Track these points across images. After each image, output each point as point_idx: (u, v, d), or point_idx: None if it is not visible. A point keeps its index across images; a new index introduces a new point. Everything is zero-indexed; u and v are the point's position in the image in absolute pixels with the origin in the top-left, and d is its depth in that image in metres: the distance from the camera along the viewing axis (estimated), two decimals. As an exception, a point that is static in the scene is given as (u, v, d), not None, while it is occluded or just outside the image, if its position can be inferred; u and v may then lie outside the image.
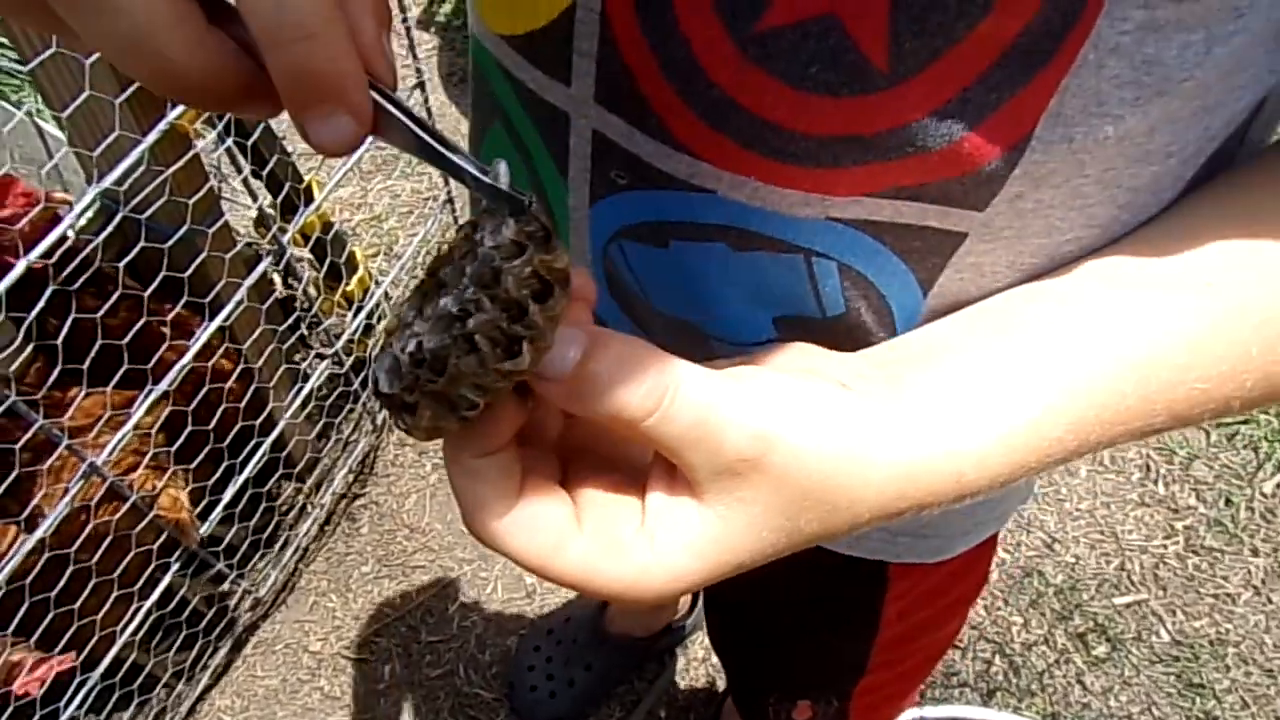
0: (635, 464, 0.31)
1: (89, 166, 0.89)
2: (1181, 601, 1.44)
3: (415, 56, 1.32)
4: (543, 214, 0.27)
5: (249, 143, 1.11)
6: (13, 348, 0.84)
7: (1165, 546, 1.48)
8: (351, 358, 1.44)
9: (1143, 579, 1.46)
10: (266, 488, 1.34)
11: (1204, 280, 0.32)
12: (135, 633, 1.17)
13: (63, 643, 1.05)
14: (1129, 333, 0.32)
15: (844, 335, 0.39)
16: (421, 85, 1.36)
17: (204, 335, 1.08)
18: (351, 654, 1.44)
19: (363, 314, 1.43)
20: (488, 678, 1.41)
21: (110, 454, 0.99)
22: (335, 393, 1.46)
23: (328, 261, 1.35)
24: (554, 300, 0.26)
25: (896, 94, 0.30)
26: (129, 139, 0.90)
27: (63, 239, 0.86)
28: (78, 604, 1.04)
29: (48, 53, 0.86)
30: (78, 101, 0.86)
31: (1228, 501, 1.51)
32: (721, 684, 1.39)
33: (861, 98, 0.31)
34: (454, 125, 2.01)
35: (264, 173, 1.16)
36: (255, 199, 1.09)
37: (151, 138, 0.92)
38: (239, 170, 1.11)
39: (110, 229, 0.91)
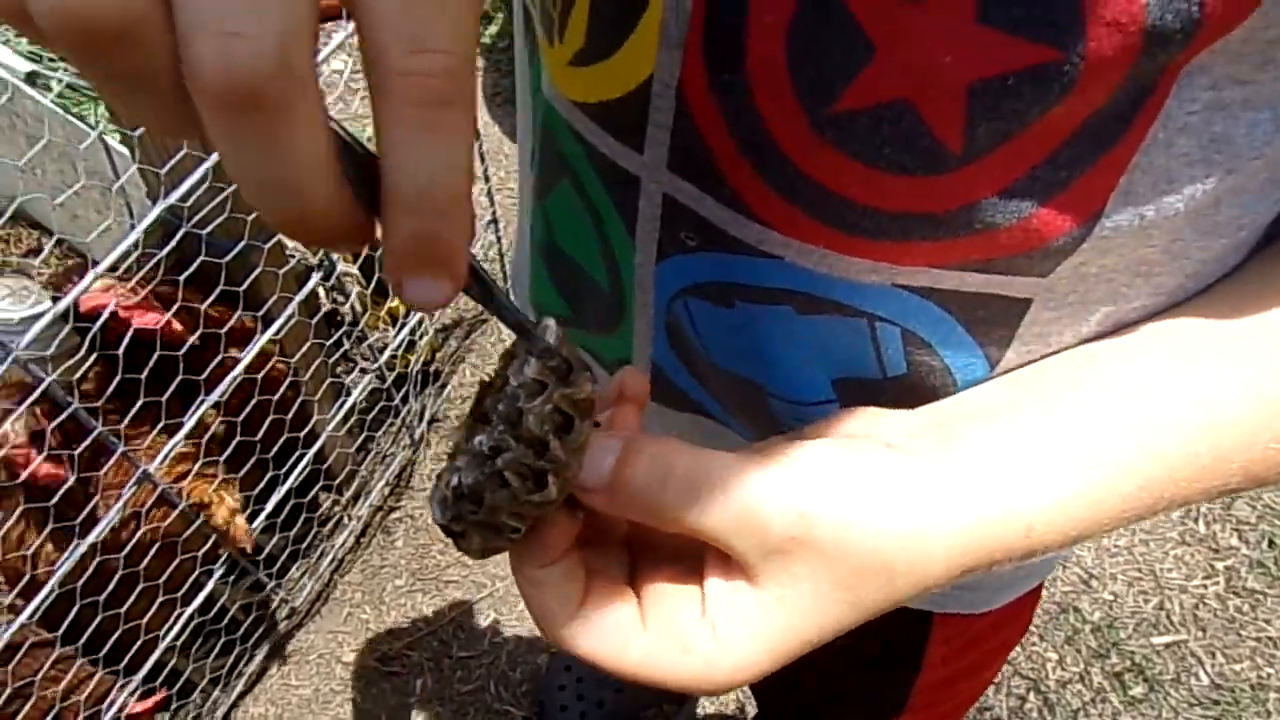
0: (698, 551, 0.32)
1: (154, 184, 0.92)
2: (1222, 643, 1.41)
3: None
4: (564, 346, 0.29)
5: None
6: (78, 355, 0.87)
7: (1205, 587, 1.46)
8: (394, 373, 1.46)
9: (1182, 619, 1.44)
10: (307, 499, 1.35)
11: (1275, 340, 0.32)
12: (177, 638, 1.19)
13: (108, 646, 1.07)
14: (1199, 392, 0.32)
15: (903, 395, 0.40)
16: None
17: (256, 347, 1.10)
18: (383, 666, 1.45)
19: (405, 330, 1.45)
20: (518, 695, 1.42)
21: (162, 461, 1.02)
22: (376, 407, 1.48)
23: (375, 278, 1.37)
24: (576, 432, 0.28)
25: (967, 174, 0.31)
26: (193, 158, 0.93)
27: (128, 252, 0.89)
28: (124, 608, 1.07)
29: None
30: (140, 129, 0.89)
31: (1270, 543, 1.48)
32: (751, 709, 1.38)
33: (933, 178, 0.31)
34: (496, 145, 2.04)
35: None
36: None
37: (214, 158, 0.95)
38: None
39: (173, 243, 0.93)
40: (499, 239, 1.65)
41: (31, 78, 1.51)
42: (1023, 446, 0.31)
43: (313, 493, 1.37)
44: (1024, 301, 0.35)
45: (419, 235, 0.21)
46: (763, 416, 0.45)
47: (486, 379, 0.33)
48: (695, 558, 0.32)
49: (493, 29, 2.27)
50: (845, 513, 0.28)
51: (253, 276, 1.06)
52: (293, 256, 1.18)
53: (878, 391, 0.40)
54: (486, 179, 1.51)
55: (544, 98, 0.42)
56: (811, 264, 0.36)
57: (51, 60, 1.59)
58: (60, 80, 1.55)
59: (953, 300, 0.36)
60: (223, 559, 1.21)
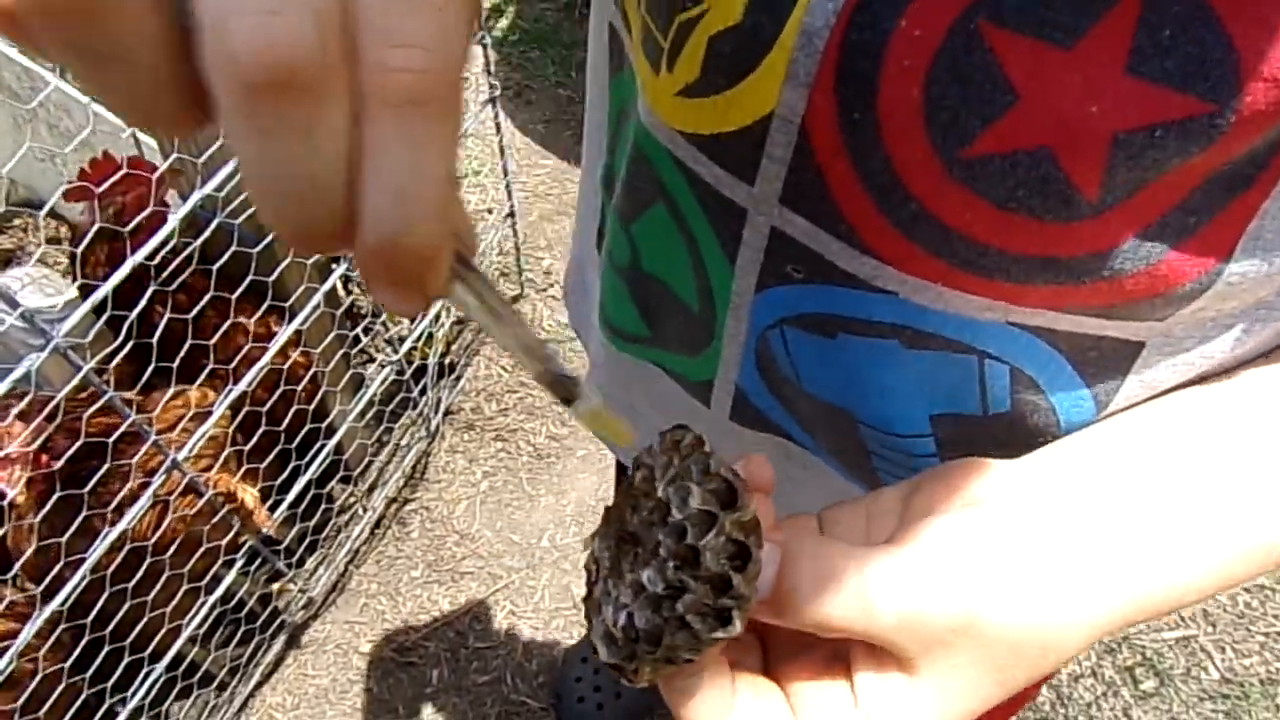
0: (833, 641, 0.32)
1: (191, 174, 0.92)
2: (1231, 639, 1.43)
3: (490, 72, 1.35)
4: (724, 466, 0.29)
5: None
6: (115, 344, 0.87)
7: (1215, 583, 1.47)
8: (413, 366, 1.46)
9: (1192, 614, 1.45)
10: (326, 490, 1.36)
11: None
12: (199, 627, 1.19)
13: (133, 634, 1.07)
14: None
15: (1002, 432, 0.40)
16: (494, 101, 1.38)
17: (282, 338, 1.10)
18: (400, 657, 1.45)
19: (425, 321, 1.46)
20: (534, 686, 1.42)
21: (191, 450, 1.02)
22: (393, 399, 1.48)
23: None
24: (754, 561, 0.28)
25: (1100, 221, 0.31)
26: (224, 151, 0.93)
27: (165, 241, 0.89)
28: (150, 596, 1.07)
29: None
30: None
31: None
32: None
33: (1064, 224, 0.31)
34: (508, 138, 2.04)
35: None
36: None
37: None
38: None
39: (207, 234, 0.93)
40: (515, 231, 1.65)
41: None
42: (1155, 515, 0.32)
43: (331, 484, 1.37)
44: (1138, 344, 0.35)
45: (386, 249, 0.20)
46: (851, 444, 0.45)
47: (627, 486, 0.32)
48: (828, 647, 0.32)
49: (503, 23, 2.27)
50: (1010, 607, 0.29)
51: (281, 268, 1.07)
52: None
53: (976, 427, 0.40)
54: (506, 173, 1.51)
55: (639, 122, 0.41)
56: (925, 300, 0.36)
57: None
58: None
59: (1065, 340, 0.36)
60: (244, 549, 1.21)
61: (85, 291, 1.06)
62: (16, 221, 1.51)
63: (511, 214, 1.59)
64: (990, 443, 0.35)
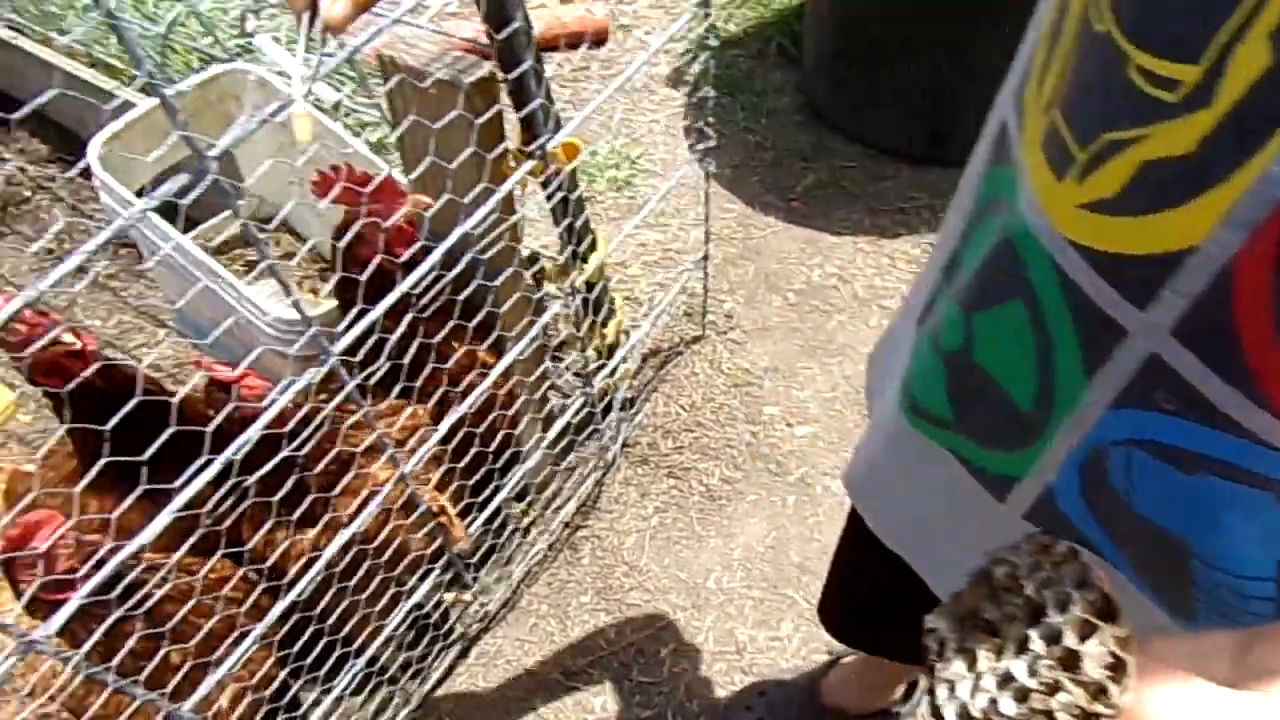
0: None
1: (447, 220, 1.00)
2: None
3: (707, 122, 1.38)
4: (1100, 580, 0.30)
5: (567, 195, 1.20)
6: (377, 364, 0.95)
7: None
8: (606, 399, 1.51)
9: None
10: (516, 510, 1.42)
11: None
12: (394, 630, 1.27)
13: (345, 630, 1.15)
14: None
15: None
16: (707, 152, 1.42)
17: (501, 367, 1.17)
18: (566, 680, 1.49)
19: (617, 356, 1.51)
20: (694, 728, 1.43)
21: (416, 464, 1.09)
22: (578, 429, 1.54)
23: (604, 308, 1.43)
24: (1129, 675, 0.29)
25: None
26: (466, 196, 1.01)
27: (422, 275, 0.96)
28: (364, 596, 1.15)
29: (406, 122, 0.98)
30: (423, 165, 0.97)
31: None
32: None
33: None
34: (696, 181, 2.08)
35: (572, 226, 1.25)
36: (565, 247, 1.18)
37: (499, 196, 1.02)
38: (556, 224, 1.20)
39: (460, 267, 1.01)
40: (705, 275, 1.69)
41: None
42: None
43: (521, 505, 1.43)
44: None
45: None
46: (1173, 570, 0.45)
47: (987, 575, 0.34)
48: None
49: (695, 68, 2.32)
50: None
51: (507, 305, 1.13)
52: (531, 290, 1.25)
53: None
54: (707, 219, 1.55)
55: (1018, 221, 0.42)
56: None
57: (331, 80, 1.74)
58: (343, 96, 1.69)
59: None
60: (443, 559, 1.28)
61: (345, 307, 1.16)
62: (261, 236, 1.66)
63: (705, 258, 1.62)
64: None
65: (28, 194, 2.04)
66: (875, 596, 0.88)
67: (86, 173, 1.69)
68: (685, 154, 2.18)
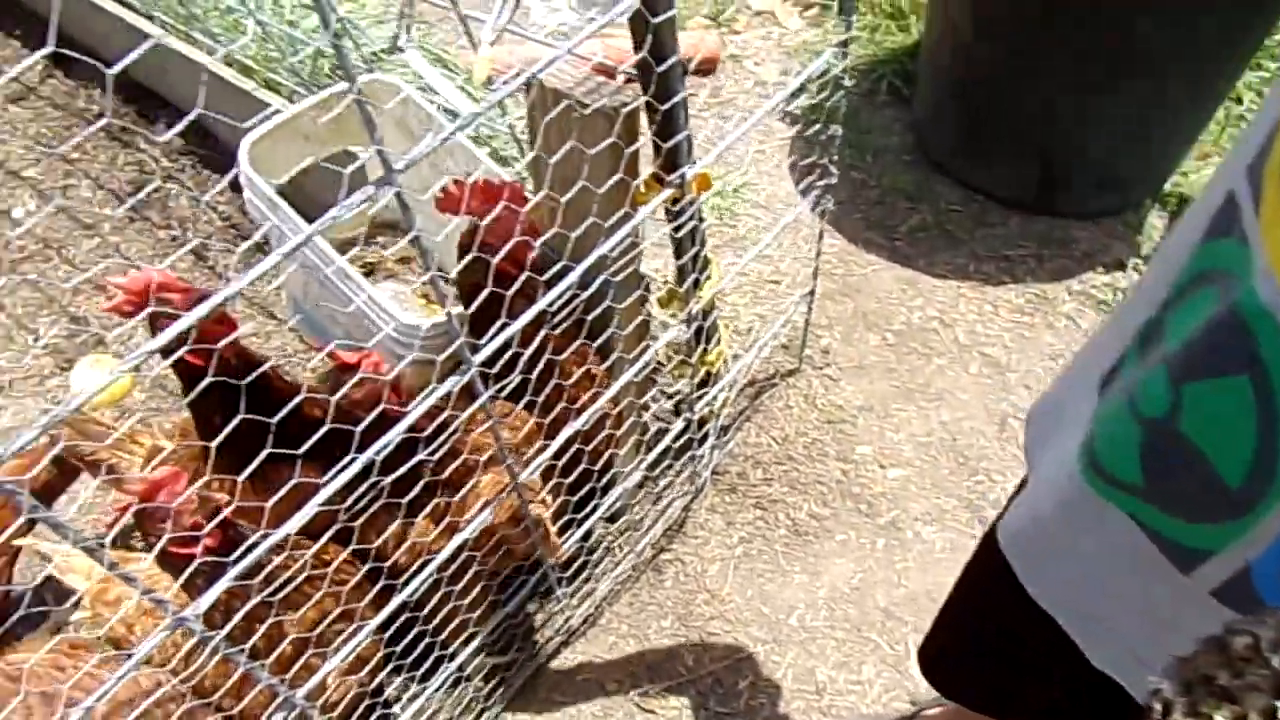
0: None
1: (584, 242, 1.02)
2: None
3: (832, 160, 1.39)
4: None
5: (696, 224, 1.22)
6: (510, 378, 0.97)
7: None
8: (707, 426, 1.52)
9: None
10: (609, 528, 1.43)
11: None
12: (487, 636, 1.29)
13: (444, 634, 1.17)
14: None
15: None
16: (828, 189, 1.42)
17: (615, 388, 1.19)
18: (641, 703, 1.50)
19: (721, 384, 1.52)
20: (769, 764, 1.42)
21: (529, 475, 1.11)
22: (682, 454, 1.55)
23: (718, 335, 1.44)
24: None
25: None
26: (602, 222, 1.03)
27: (560, 293, 0.99)
28: (467, 600, 1.17)
29: (562, 152, 1.01)
30: (571, 192, 0.99)
31: None
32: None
33: None
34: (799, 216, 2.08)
35: (697, 255, 1.26)
36: (684, 278, 1.20)
37: (637, 221, 1.04)
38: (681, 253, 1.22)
39: (593, 289, 1.03)
40: (809, 310, 1.69)
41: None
42: None
43: (614, 525, 1.45)
44: None
45: None
46: None
47: (1219, 640, 0.35)
48: None
49: (802, 100, 2.33)
50: None
51: (630, 329, 1.15)
52: (650, 314, 1.27)
53: None
54: (819, 254, 1.55)
55: (1253, 297, 0.42)
56: None
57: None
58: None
59: None
60: (540, 571, 1.30)
61: (478, 321, 1.19)
62: (380, 239, 1.72)
63: (812, 293, 1.62)
64: None
65: (158, 182, 2.14)
66: (995, 651, 0.86)
67: (213, 163, 1.77)
68: (789, 186, 2.19)
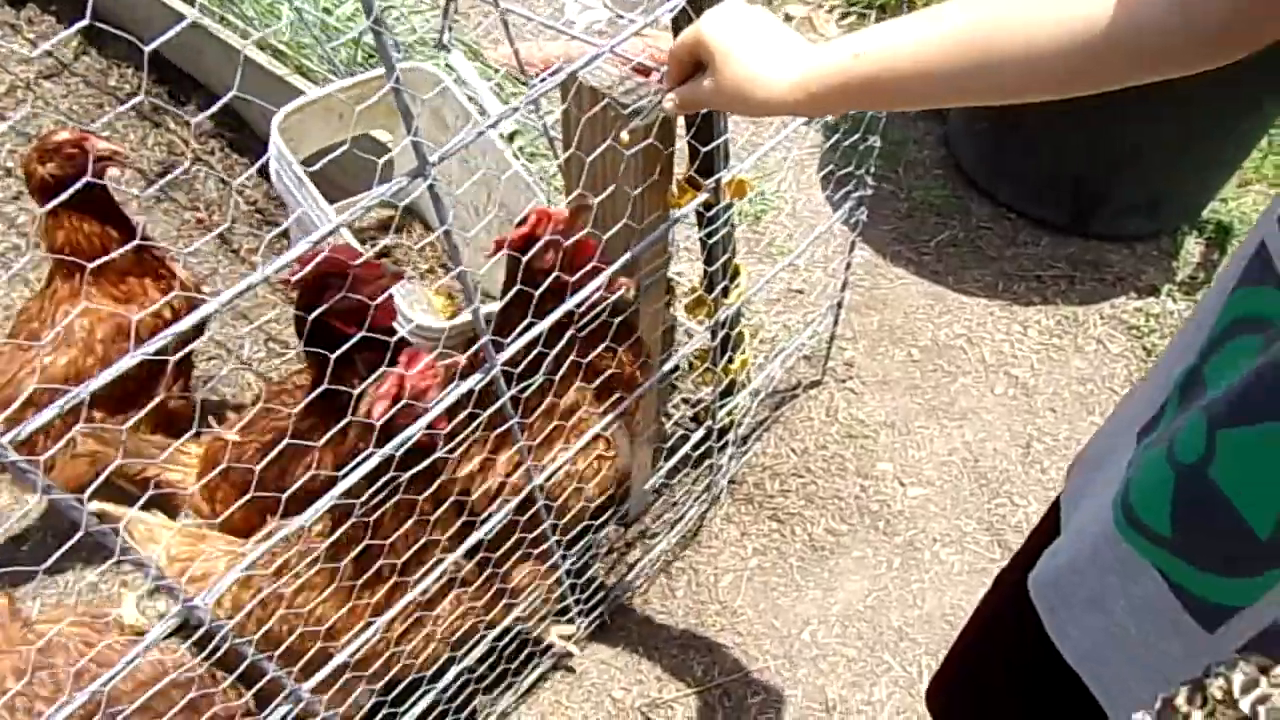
0: None
1: (615, 243, 1.00)
2: None
3: (870, 172, 1.37)
4: None
5: (728, 230, 1.20)
6: (535, 379, 0.96)
7: None
8: (726, 435, 1.50)
9: None
10: (621, 533, 1.42)
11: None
12: (497, 639, 1.27)
13: (457, 634, 1.16)
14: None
15: None
16: (862, 201, 1.40)
17: (648, 384, 1.17)
18: (648, 711, 1.48)
19: (744, 392, 1.49)
20: (775, 782, 1.40)
21: (548, 479, 1.10)
22: (700, 462, 1.53)
23: (742, 343, 1.42)
24: None
25: None
26: (636, 224, 1.01)
27: (588, 294, 0.97)
28: (483, 601, 1.15)
29: (601, 148, 0.99)
30: (605, 193, 0.97)
31: None
32: None
33: None
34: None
35: (727, 261, 1.24)
36: (713, 284, 1.18)
37: (670, 224, 1.03)
38: (711, 259, 1.20)
39: (620, 293, 1.01)
40: (836, 322, 1.67)
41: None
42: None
43: (626, 531, 1.43)
44: None
45: None
46: None
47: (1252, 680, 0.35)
48: None
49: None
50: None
51: (657, 331, 1.13)
52: (676, 319, 1.25)
53: None
54: (849, 266, 1.53)
55: None
56: None
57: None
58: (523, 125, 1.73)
59: None
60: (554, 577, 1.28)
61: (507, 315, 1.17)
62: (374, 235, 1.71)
63: (839, 305, 1.60)
64: None
65: (187, 163, 2.14)
66: (1008, 700, 0.84)
67: (242, 147, 1.76)
68: (818, 195, 2.16)
